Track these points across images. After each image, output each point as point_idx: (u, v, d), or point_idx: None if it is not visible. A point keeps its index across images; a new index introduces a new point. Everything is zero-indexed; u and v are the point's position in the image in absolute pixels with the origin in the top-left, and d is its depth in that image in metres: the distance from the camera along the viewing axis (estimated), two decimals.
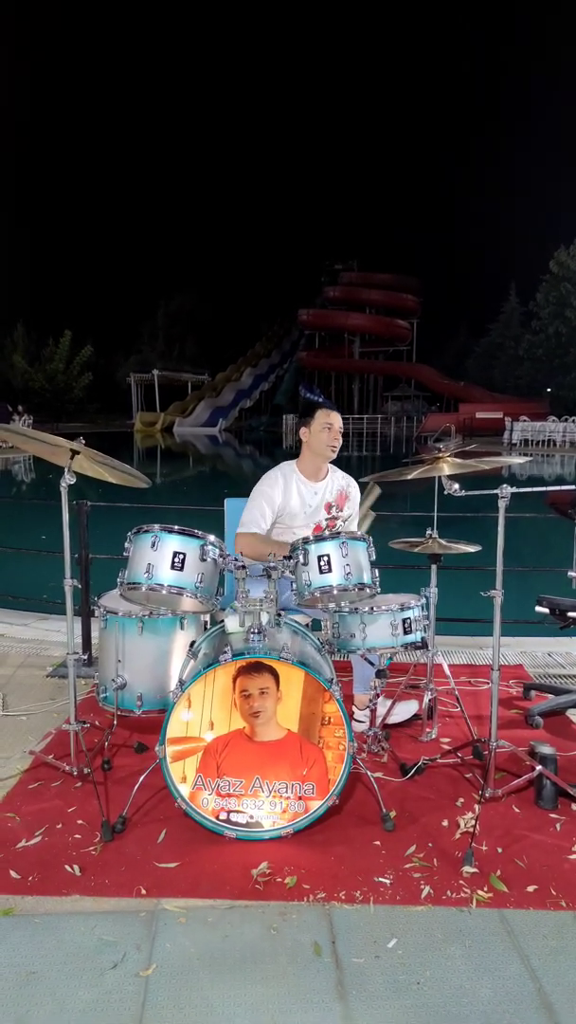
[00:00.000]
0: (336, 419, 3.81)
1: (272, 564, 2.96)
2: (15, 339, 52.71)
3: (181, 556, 2.92)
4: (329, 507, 3.87)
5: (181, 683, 2.78)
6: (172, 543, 2.94)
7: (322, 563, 2.98)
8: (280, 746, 2.77)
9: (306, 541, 3.02)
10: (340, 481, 3.96)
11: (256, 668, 2.73)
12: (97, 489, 4.03)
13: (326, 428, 3.77)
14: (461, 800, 3.07)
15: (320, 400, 3.81)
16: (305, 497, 3.82)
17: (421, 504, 4.51)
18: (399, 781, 3.21)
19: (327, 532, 3.81)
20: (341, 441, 3.84)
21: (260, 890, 2.47)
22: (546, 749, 3.11)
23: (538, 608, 3.97)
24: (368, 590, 3.04)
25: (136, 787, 2.92)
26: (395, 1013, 1.97)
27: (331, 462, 3.91)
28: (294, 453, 3.95)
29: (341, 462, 4.03)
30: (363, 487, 4.15)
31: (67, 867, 2.58)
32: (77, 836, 2.78)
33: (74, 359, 52.14)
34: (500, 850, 2.71)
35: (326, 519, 3.86)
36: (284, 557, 3.03)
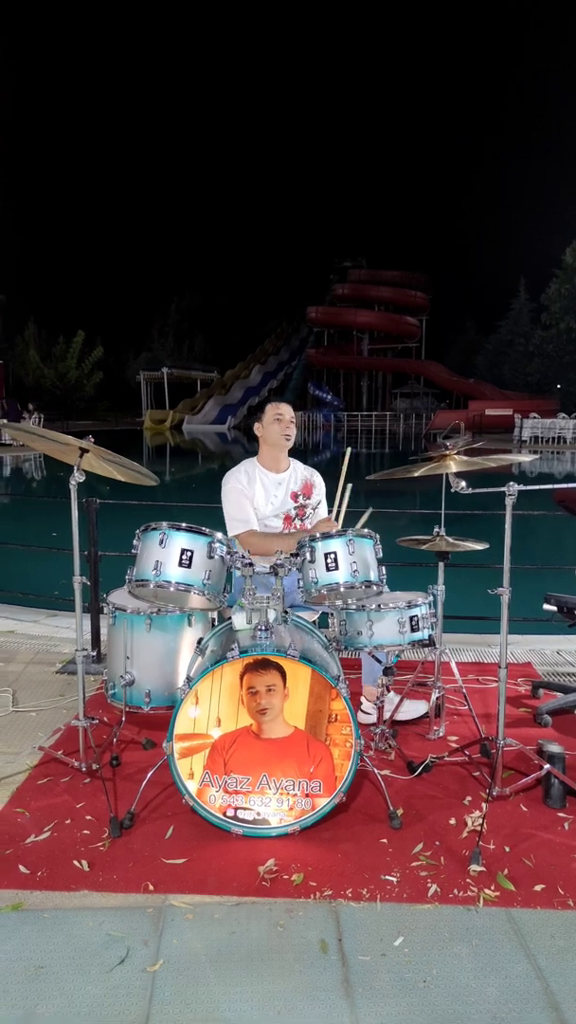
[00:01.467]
0: (286, 410, 3.91)
1: (279, 562, 2.97)
2: (26, 337, 52.85)
3: (189, 553, 2.93)
4: (295, 496, 3.93)
5: (189, 680, 2.79)
6: (180, 540, 2.95)
7: (329, 560, 2.98)
8: (287, 743, 2.77)
9: (313, 538, 3.03)
10: (303, 472, 4.05)
11: (263, 665, 2.73)
12: (106, 486, 4.04)
13: (276, 419, 3.88)
14: (468, 798, 3.07)
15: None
16: (269, 488, 3.89)
17: (429, 502, 4.51)
18: (406, 779, 3.21)
19: (299, 521, 3.88)
20: (294, 430, 3.92)
21: (267, 887, 2.48)
22: (554, 748, 3.10)
23: (546, 606, 3.96)
24: (375, 587, 3.05)
25: (144, 783, 2.93)
26: (401, 1011, 1.97)
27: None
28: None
29: (352, 459, 4.05)
30: (366, 487, 4.17)
31: (75, 862, 2.59)
32: (85, 832, 2.79)
33: (86, 358, 52.29)
34: (507, 849, 2.71)
35: (295, 507, 3.93)
36: (291, 554, 3.04)
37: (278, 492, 3.92)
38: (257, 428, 3.96)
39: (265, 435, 3.91)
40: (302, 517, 3.95)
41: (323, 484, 4.10)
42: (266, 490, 3.89)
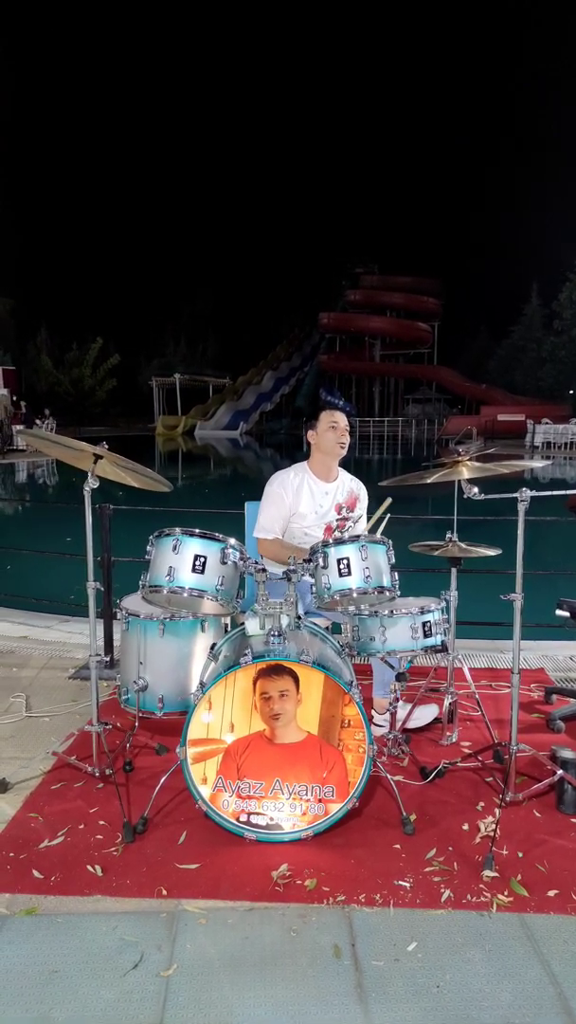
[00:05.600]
0: (341, 418, 3.89)
1: (292, 567, 2.98)
2: (38, 343, 53.12)
3: (202, 559, 2.94)
4: (340, 508, 3.93)
5: (202, 685, 2.80)
6: (193, 546, 2.96)
7: (342, 566, 2.99)
8: (300, 748, 2.78)
9: (325, 544, 3.04)
10: (350, 484, 4.04)
11: (276, 671, 2.74)
12: (118, 492, 4.06)
13: (332, 427, 3.86)
14: (481, 804, 3.06)
15: (331, 400, 3.87)
16: (316, 496, 3.88)
17: (441, 507, 4.51)
18: (419, 784, 3.21)
19: (338, 533, 3.86)
20: (348, 439, 3.91)
21: (280, 892, 2.48)
22: (567, 753, 3.10)
23: (558, 612, 3.95)
24: (388, 593, 3.05)
25: (157, 788, 2.94)
26: (414, 1016, 1.98)
27: (341, 465, 3.96)
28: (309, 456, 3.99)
29: (363, 464, 4.06)
30: (377, 492, 4.16)
31: (89, 867, 2.60)
32: (99, 837, 2.81)
33: (100, 365, 52.60)
34: (521, 854, 2.70)
35: (336, 519, 3.91)
36: (304, 560, 3.05)
37: (324, 502, 3.92)
38: (310, 435, 3.95)
39: (319, 442, 3.91)
40: (342, 529, 3.94)
41: (367, 497, 4.11)
42: (313, 498, 3.89)
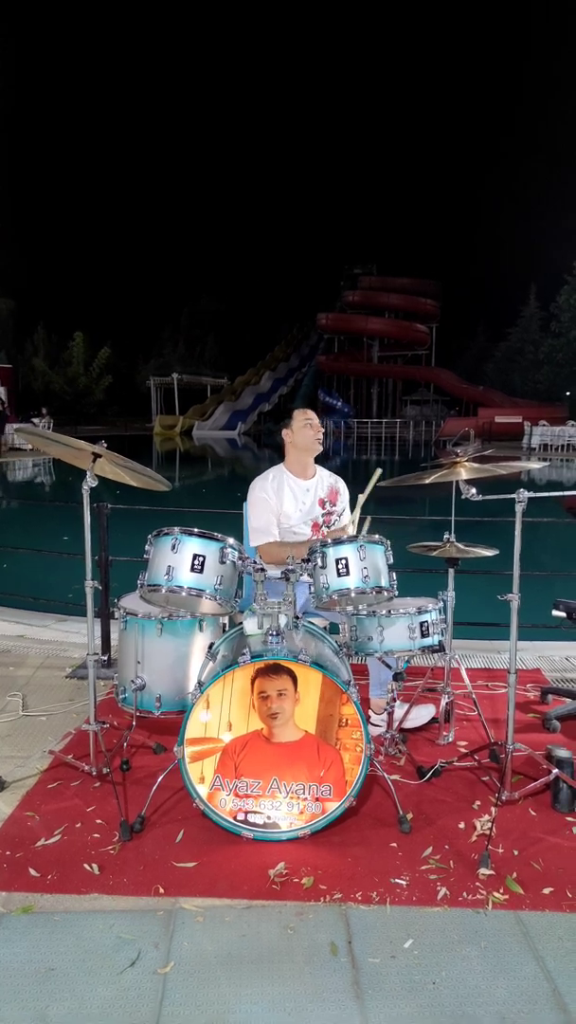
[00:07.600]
0: (314, 415, 3.96)
1: (290, 567, 2.99)
2: (35, 342, 53.04)
3: (201, 559, 2.95)
4: (323, 503, 3.96)
5: (200, 684, 2.81)
6: (192, 546, 2.97)
7: (340, 566, 3.00)
8: (297, 747, 2.79)
9: (324, 544, 3.05)
10: (328, 478, 4.08)
11: (274, 670, 2.75)
12: (115, 491, 4.06)
13: (307, 424, 3.92)
14: (478, 803, 3.07)
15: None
16: (297, 495, 3.92)
17: (439, 508, 4.52)
18: (416, 783, 3.22)
19: (325, 528, 3.88)
20: (323, 434, 3.96)
21: (277, 890, 2.49)
22: (563, 753, 3.11)
23: (555, 612, 3.96)
24: (386, 593, 3.06)
25: (154, 787, 2.95)
26: (411, 1012, 1.99)
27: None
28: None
29: (361, 465, 4.07)
30: (376, 492, 4.18)
31: (86, 866, 2.61)
32: (96, 835, 2.81)
33: (92, 361, 52.49)
34: (516, 852, 2.72)
35: (322, 514, 3.94)
36: (302, 560, 3.05)
37: (306, 499, 3.94)
38: (286, 434, 3.99)
39: (296, 440, 3.94)
40: (328, 524, 3.97)
41: (347, 490, 4.13)
42: (295, 497, 3.91)
